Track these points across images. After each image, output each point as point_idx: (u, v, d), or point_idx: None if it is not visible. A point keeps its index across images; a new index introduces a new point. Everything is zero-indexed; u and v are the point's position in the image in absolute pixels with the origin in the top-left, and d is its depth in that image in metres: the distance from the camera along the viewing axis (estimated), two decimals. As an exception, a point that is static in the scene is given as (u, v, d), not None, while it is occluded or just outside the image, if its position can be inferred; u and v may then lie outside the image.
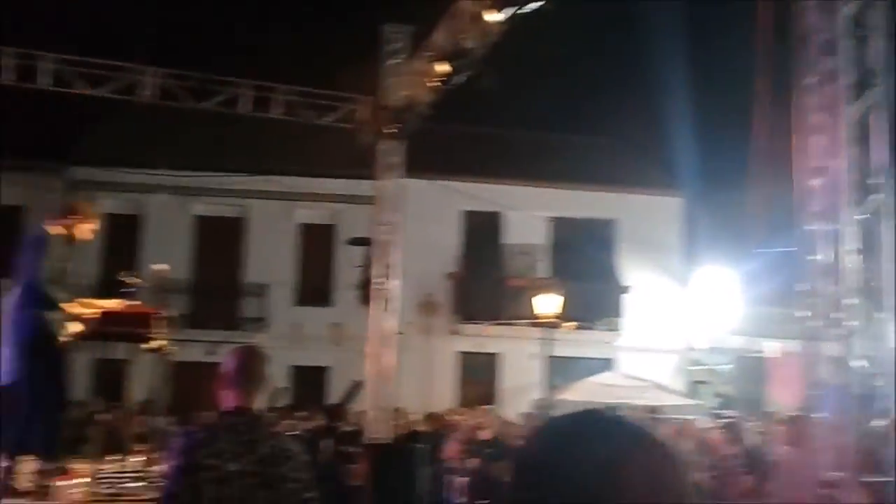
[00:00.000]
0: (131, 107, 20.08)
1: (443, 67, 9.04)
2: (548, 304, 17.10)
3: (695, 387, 20.35)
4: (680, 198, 21.03)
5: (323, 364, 19.61)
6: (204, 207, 20.36)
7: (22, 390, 6.09)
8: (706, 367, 20.61)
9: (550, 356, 17.09)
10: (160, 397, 6.75)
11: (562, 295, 17.09)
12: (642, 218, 20.53)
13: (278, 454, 2.78)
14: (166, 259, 16.60)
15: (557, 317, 17.03)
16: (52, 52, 11.06)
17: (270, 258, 20.13)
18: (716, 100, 19.04)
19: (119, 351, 7.08)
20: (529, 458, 1.08)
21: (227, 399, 2.87)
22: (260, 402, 2.89)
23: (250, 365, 2.92)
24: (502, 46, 8.79)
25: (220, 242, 20.48)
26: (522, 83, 19.05)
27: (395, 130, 11.15)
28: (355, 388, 9.32)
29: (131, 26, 21.41)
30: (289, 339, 19.01)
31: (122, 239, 18.56)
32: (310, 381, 19.13)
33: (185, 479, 2.62)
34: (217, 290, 19.91)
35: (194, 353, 16.51)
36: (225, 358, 2.98)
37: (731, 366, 20.48)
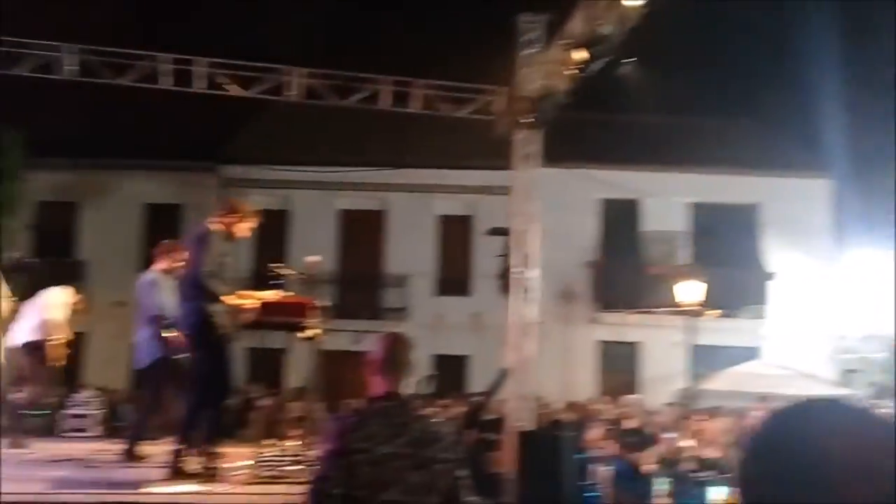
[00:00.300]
0: (278, 106, 20.94)
1: (580, 55, 8.89)
2: (690, 291, 16.63)
3: (847, 376, 19.34)
4: (828, 179, 20.01)
5: (463, 353, 19.79)
6: (347, 201, 20.90)
7: (161, 373, 6.45)
8: (859, 355, 19.55)
9: (693, 345, 16.63)
10: (313, 384, 6.96)
11: (704, 282, 16.59)
12: (788, 201, 19.65)
13: (428, 436, 2.82)
14: (312, 251, 17.24)
15: (700, 304, 16.54)
16: (206, 57, 11.56)
17: (411, 249, 20.46)
18: (865, 78, 17.98)
19: (274, 340, 7.36)
20: (776, 446, 1.04)
21: (376, 384, 2.92)
22: (407, 388, 2.93)
23: (397, 351, 2.97)
24: (640, 31, 8.58)
25: (362, 235, 20.98)
26: (661, 67, 18.56)
27: (532, 120, 11.06)
28: (503, 376, 9.33)
29: (277, 29, 22.19)
30: (429, 328, 19.26)
31: (272, 233, 19.27)
32: (450, 369, 19.33)
33: (337, 462, 2.68)
34: (360, 280, 20.40)
35: (341, 342, 16.98)
36: (372, 344, 3.03)
37: (886, 353, 19.33)
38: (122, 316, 19.86)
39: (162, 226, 21.18)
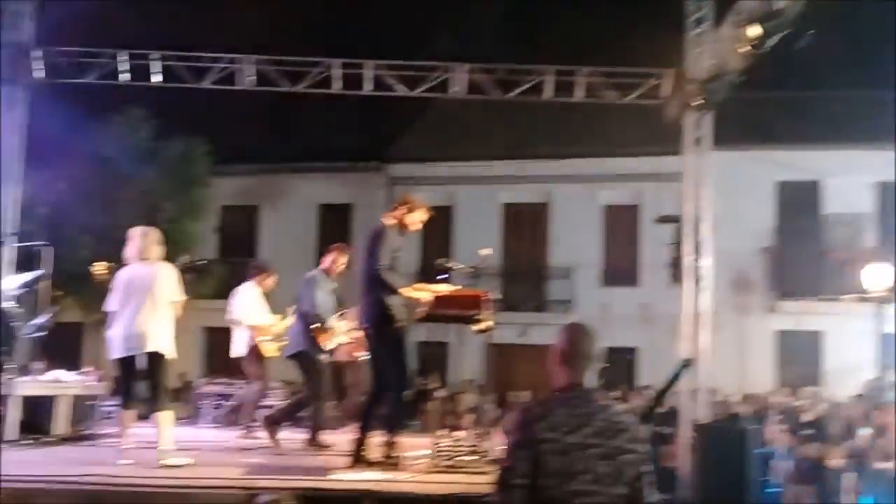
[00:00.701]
0: (442, 104, 21.27)
1: (754, 31, 8.49)
2: (878, 276, 15.58)
3: None
4: None
5: (631, 345, 19.42)
6: (510, 194, 20.96)
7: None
8: None
9: (882, 333, 15.57)
10: (483, 377, 7.03)
11: (894, 266, 15.49)
12: None
13: (613, 426, 2.81)
14: (477, 246, 17.39)
15: (889, 290, 15.47)
16: (372, 59, 11.88)
17: (575, 240, 20.27)
18: None
19: (438, 333, 7.49)
20: None
21: (559, 375, 2.92)
22: (590, 379, 2.91)
23: (580, 342, 2.95)
24: (816, 2, 8.10)
25: (526, 227, 20.99)
26: (839, 39, 17.46)
27: (702, 102, 10.69)
28: (683, 368, 9.10)
29: (437, 27, 22.54)
30: (596, 320, 18.99)
31: (437, 228, 19.64)
32: (618, 362, 19.03)
33: (524, 453, 2.70)
34: (524, 273, 20.41)
35: (507, 335, 17.09)
36: (555, 335, 3.02)
37: None
38: (301, 312, 20.92)
39: (335, 225, 22.08)
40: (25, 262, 12.32)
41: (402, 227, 6.23)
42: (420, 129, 22.09)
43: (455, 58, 12.30)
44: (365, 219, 21.07)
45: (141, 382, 6.38)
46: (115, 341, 6.21)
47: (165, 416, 6.17)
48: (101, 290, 20.33)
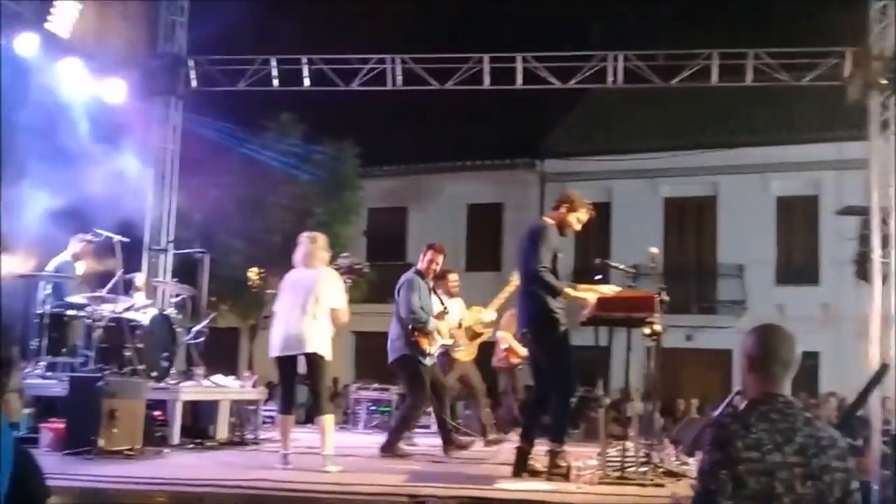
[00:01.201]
0: (595, 95, 21.08)
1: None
2: None
3: None
4: None
5: (811, 349, 18.55)
6: (673, 188, 20.48)
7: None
8: None
9: None
10: (648, 383, 6.89)
11: None
12: None
13: (818, 443, 2.62)
14: (636, 243, 17.11)
15: None
16: (523, 52, 11.92)
17: (746, 236, 19.58)
18: None
19: (604, 337, 7.39)
20: None
21: (751, 385, 2.77)
22: (787, 388, 2.75)
23: (773, 346, 2.78)
24: None
25: (691, 223, 20.47)
26: None
27: (889, 81, 10.13)
28: (881, 373, 8.64)
29: (590, 14, 22.35)
30: (771, 322, 18.30)
31: (594, 226, 19.47)
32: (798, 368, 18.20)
33: (722, 474, 2.56)
34: (691, 272, 19.89)
35: (672, 339, 16.70)
36: (745, 339, 2.89)
37: None
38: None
39: (484, 225, 22.31)
40: (183, 269, 13.12)
41: (562, 226, 6.21)
42: (574, 123, 21.96)
43: (610, 46, 12.18)
44: (516, 218, 21.14)
45: (300, 386, 6.65)
46: (276, 341, 6.52)
47: (328, 420, 6.40)
48: (255, 295, 21.30)
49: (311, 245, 6.62)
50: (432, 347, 7.84)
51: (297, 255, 6.67)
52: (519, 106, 19.19)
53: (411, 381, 7.76)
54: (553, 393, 6.00)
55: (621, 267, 6.93)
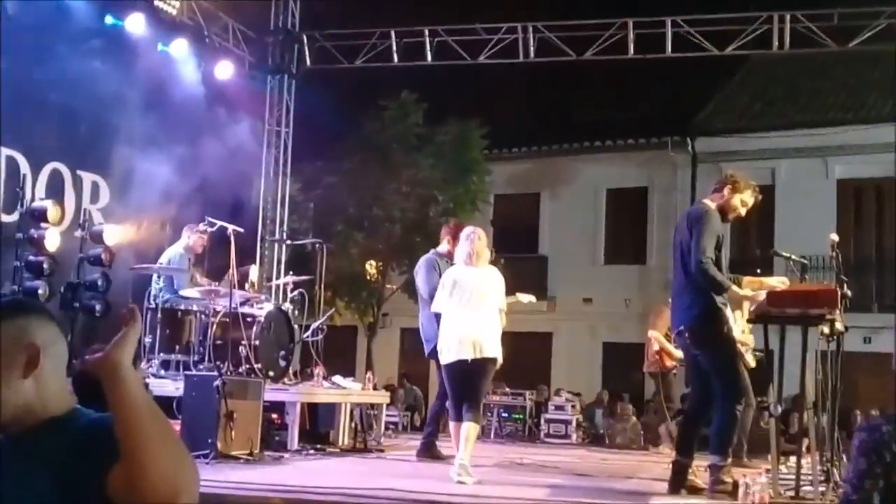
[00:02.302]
0: (757, 62, 20.50)
1: None
2: None
3: None
4: None
5: None
6: (847, 168, 19.70)
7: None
8: None
9: None
10: (826, 392, 6.66)
11: None
12: None
13: None
14: (803, 231, 16.56)
15: None
16: (673, 16, 11.69)
17: (941, 223, 18.67)
18: None
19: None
20: None
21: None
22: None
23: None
24: None
25: (870, 207, 19.65)
26: None
27: None
28: None
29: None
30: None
31: (755, 213, 18.95)
32: None
33: (868, 484, 2.47)
34: (869, 266, 19.11)
35: (848, 342, 16.04)
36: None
37: None
38: (590, 314, 21.06)
39: (626, 212, 22.04)
40: (298, 261, 13.49)
41: (725, 210, 6.08)
42: (731, 96, 21.42)
43: (775, 5, 11.82)
44: (663, 205, 20.81)
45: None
46: (449, 345, 6.70)
47: (473, 429, 6.61)
48: (373, 290, 21.67)
49: (479, 242, 6.86)
50: None
51: (462, 252, 6.89)
52: (667, 77, 18.84)
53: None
54: (716, 400, 5.88)
55: (794, 257, 6.72)
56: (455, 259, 7.02)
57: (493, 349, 6.64)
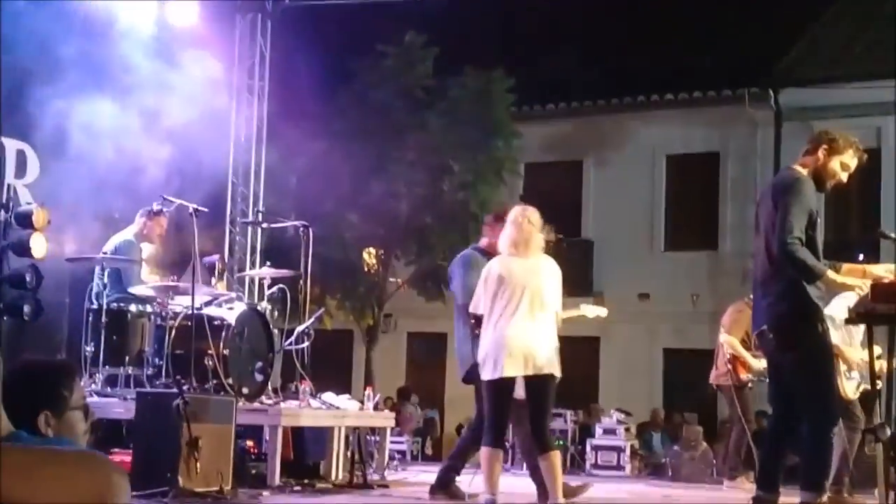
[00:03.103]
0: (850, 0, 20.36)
1: None
2: None
3: None
4: None
5: None
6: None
7: None
8: None
9: None
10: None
11: None
12: None
13: None
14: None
15: None
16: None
17: None
18: None
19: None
20: None
21: None
22: None
23: None
24: None
25: None
26: None
27: None
28: None
29: None
30: None
31: (854, 181, 18.79)
32: None
33: None
34: None
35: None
36: None
37: None
38: (647, 313, 20.99)
39: (692, 184, 21.95)
40: (278, 250, 13.46)
41: (820, 177, 6.04)
42: (823, 38, 21.24)
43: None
44: (739, 174, 20.77)
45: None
46: (489, 357, 6.67)
47: (555, 459, 6.72)
48: (374, 285, 21.72)
49: (529, 226, 6.81)
50: None
51: (506, 238, 6.84)
52: (744, 15, 18.74)
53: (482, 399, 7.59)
54: (806, 421, 5.86)
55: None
56: (499, 247, 6.94)
57: (551, 363, 6.66)
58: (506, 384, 6.64)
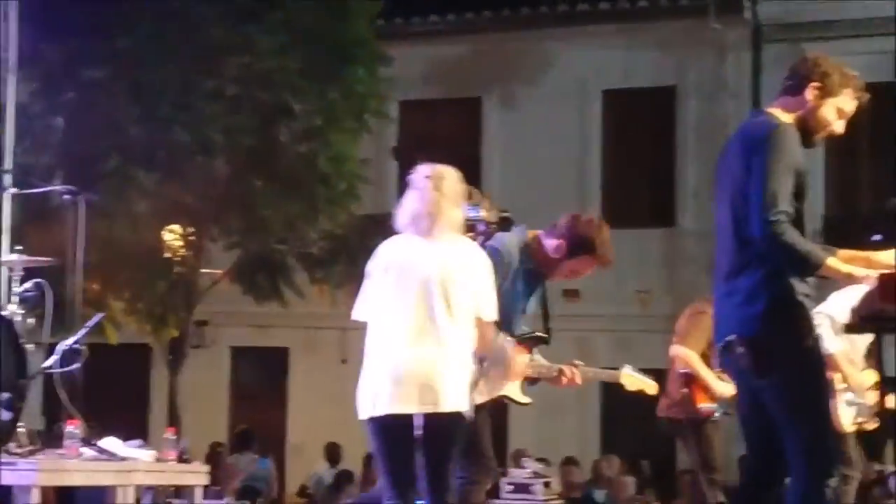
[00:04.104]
0: None
1: None
2: None
3: None
4: None
5: None
6: None
7: None
8: None
9: None
10: None
11: None
12: None
13: None
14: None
15: None
16: None
17: None
18: None
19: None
20: None
21: None
22: None
23: None
24: None
25: None
26: None
27: None
28: None
29: None
30: None
31: (857, 127, 19.16)
32: None
33: None
34: None
35: None
36: None
37: None
38: (575, 318, 21.09)
39: (639, 133, 22.18)
40: (35, 225, 13.34)
41: (809, 126, 6.12)
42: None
43: None
44: (704, 117, 21.02)
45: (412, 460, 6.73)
46: (378, 388, 6.62)
47: None
48: (180, 278, 21.68)
49: (435, 192, 6.72)
50: (480, 391, 7.79)
51: (407, 211, 6.77)
52: None
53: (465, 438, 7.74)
54: (792, 472, 5.98)
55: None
56: (398, 222, 6.81)
57: (456, 395, 6.56)
58: (393, 424, 6.58)
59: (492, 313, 6.76)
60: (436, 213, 6.69)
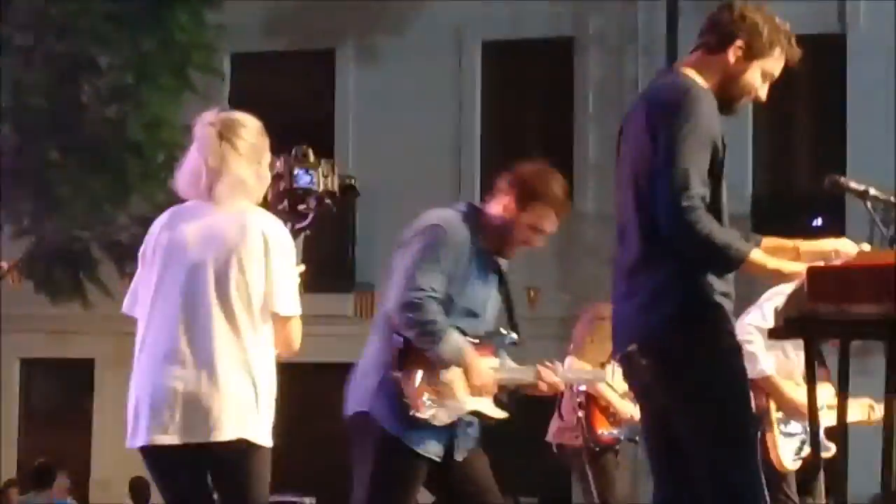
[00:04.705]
0: None
1: None
2: None
3: None
4: None
5: None
6: None
7: None
8: None
9: None
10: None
11: None
12: None
13: None
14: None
15: None
16: None
17: None
18: None
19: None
20: None
21: None
22: None
23: None
24: None
25: None
26: None
27: None
28: None
29: None
30: None
31: (800, 94, 19.42)
32: None
33: None
34: None
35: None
36: None
37: None
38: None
39: (528, 92, 22.35)
40: None
41: (728, 90, 6.18)
42: None
43: None
44: (606, 74, 21.26)
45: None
46: (131, 409, 6.51)
47: None
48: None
49: (219, 141, 6.39)
50: (426, 405, 7.76)
51: (185, 170, 6.52)
52: None
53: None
54: (709, 493, 6.10)
55: (880, 194, 6.91)
56: (177, 186, 6.50)
57: (242, 421, 6.31)
58: (159, 457, 6.43)
59: (290, 307, 6.40)
60: (218, 170, 6.33)
